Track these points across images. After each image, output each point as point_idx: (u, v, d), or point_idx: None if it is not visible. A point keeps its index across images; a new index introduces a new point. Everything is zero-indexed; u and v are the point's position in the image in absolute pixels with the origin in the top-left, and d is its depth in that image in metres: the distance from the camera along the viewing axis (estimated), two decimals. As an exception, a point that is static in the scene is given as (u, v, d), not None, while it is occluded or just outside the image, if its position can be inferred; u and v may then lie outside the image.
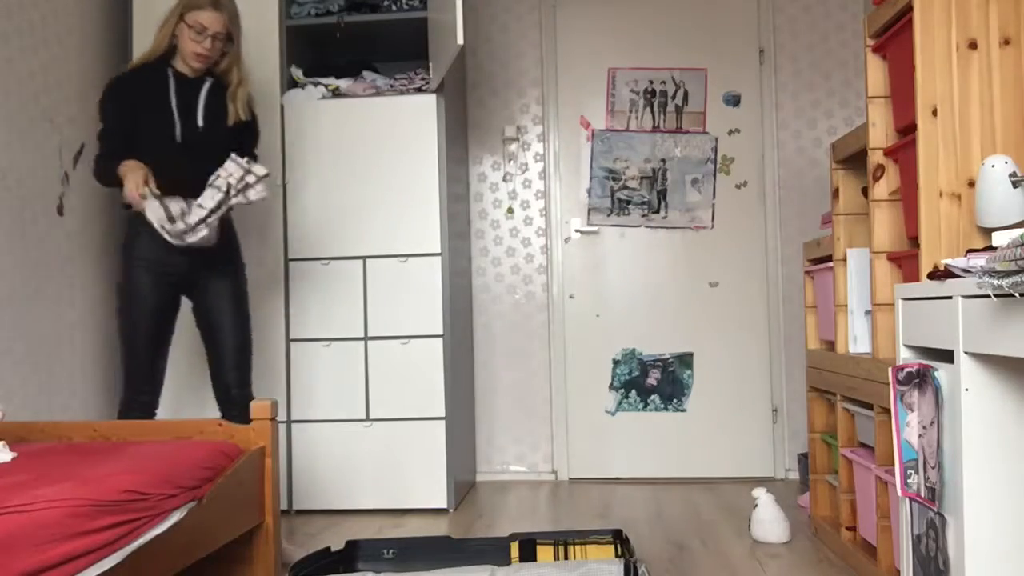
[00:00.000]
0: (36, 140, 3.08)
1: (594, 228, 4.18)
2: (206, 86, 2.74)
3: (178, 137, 2.68)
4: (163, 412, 3.38)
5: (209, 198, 2.56)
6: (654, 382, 4.14)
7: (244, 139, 2.82)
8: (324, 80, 3.62)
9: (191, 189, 2.59)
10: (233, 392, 2.73)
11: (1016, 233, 1.60)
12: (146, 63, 2.73)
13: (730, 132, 4.14)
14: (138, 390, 2.68)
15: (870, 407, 2.46)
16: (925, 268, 2.09)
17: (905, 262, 2.37)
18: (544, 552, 2.60)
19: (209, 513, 1.96)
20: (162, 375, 2.74)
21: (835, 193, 2.89)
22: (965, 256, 1.82)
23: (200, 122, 2.70)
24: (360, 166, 3.54)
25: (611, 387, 4.15)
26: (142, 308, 2.66)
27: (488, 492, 3.91)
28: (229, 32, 2.70)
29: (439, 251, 3.51)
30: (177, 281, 2.70)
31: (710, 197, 4.14)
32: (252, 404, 2.33)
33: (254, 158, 2.82)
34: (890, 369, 1.96)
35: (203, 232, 2.56)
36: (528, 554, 2.59)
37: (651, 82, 4.18)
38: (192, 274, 2.70)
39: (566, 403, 4.16)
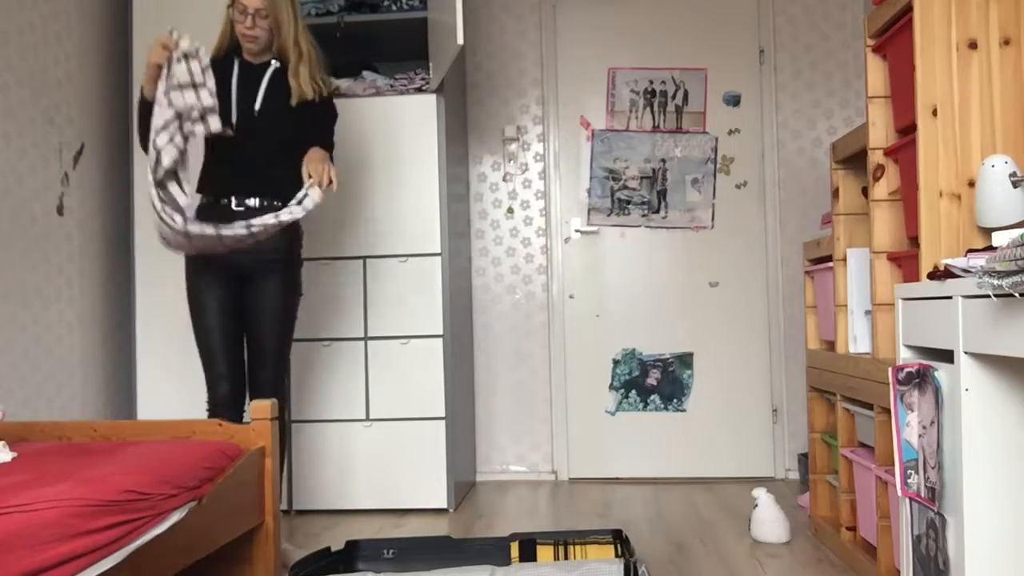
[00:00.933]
0: (36, 140, 3.09)
1: (594, 228, 4.18)
2: (270, 71, 2.72)
3: (234, 123, 2.66)
4: (166, 412, 3.39)
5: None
6: (654, 382, 4.14)
7: (314, 121, 2.73)
8: (324, 80, 3.62)
9: (250, 176, 2.62)
10: (267, 392, 2.72)
11: (1016, 233, 1.60)
12: (215, 57, 2.72)
13: (730, 132, 4.14)
14: (217, 387, 2.70)
15: (870, 407, 2.46)
16: (925, 268, 2.09)
17: (905, 262, 2.37)
18: (544, 552, 2.60)
19: (209, 513, 1.96)
20: (241, 368, 2.74)
21: (835, 193, 2.89)
22: (965, 256, 1.82)
23: (257, 106, 2.68)
24: (360, 166, 3.54)
25: (611, 387, 4.15)
26: (205, 307, 2.67)
27: (488, 492, 3.91)
28: (270, 10, 2.65)
29: (439, 251, 3.51)
30: (232, 271, 2.69)
31: (710, 197, 4.14)
32: (252, 404, 2.33)
33: (327, 145, 2.76)
34: (890, 369, 1.96)
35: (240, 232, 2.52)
36: (528, 554, 2.59)
37: (651, 82, 4.18)
38: (248, 267, 2.69)
39: (566, 403, 4.16)
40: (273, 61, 2.74)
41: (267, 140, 2.66)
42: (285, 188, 2.75)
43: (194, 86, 2.48)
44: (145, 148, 2.59)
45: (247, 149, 2.63)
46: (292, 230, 2.78)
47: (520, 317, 4.20)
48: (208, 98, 2.50)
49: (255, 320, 2.73)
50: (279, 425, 2.69)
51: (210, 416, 2.68)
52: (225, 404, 2.69)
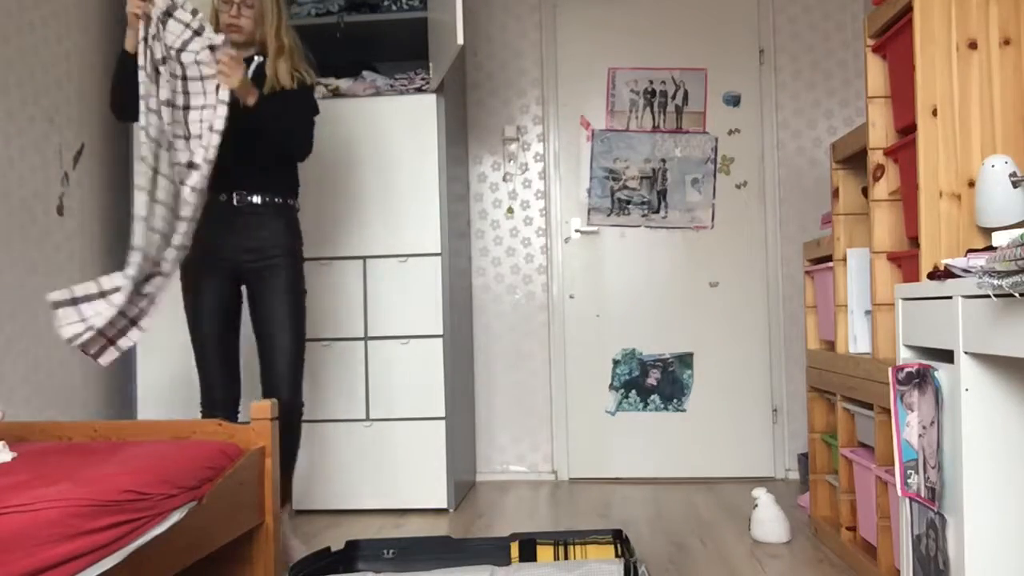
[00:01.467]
0: (36, 140, 3.09)
1: (594, 228, 4.18)
2: (253, 65, 2.69)
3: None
4: (166, 412, 3.39)
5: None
6: (654, 382, 4.14)
7: (287, 107, 2.64)
8: (324, 80, 3.62)
9: (247, 172, 2.59)
10: (283, 396, 2.67)
11: (1016, 233, 1.60)
12: None
13: (730, 132, 4.14)
14: (212, 392, 2.69)
15: (870, 407, 2.46)
16: (925, 268, 2.09)
17: (905, 262, 2.37)
18: (544, 552, 2.60)
19: (209, 513, 1.96)
20: (235, 369, 2.73)
21: (835, 193, 2.89)
22: (965, 256, 1.82)
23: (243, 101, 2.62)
24: (360, 166, 3.54)
25: (611, 387, 4.15)
26: (201, 311, 2.64)
27: (488, 492, 3.91)
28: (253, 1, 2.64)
29: (439, 251, 3.51)
30: (233, 269, 2.67)
31: (710, 197, 4.14)
32: (252, 404, 2.32)
33: (304, 137, 2.70)
34: (890, 369, 1.96)
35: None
36: (528, 554, 2.59)
37: (651, 82, 4.18)
38: (248, 263, 2.67)
39: (566, 403, 4.16)
40: (256, 56, 2.71)
41: (256, 135, 2.61)
42: (283, 184, 2.73)
43: (196, 34, 2.44)
44: (117, 103, 2.56)
45: (240, 145, 2.58)
46: (292, 227, 2.77)
47: (520, 317, 4.20)
48: (214, 36, 2.46)
49: (265, 320, 2.70)
50: (293, 426, 2.69)
51: (203, 417, 2.68)
52: (219, 408, 2.68)
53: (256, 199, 2.68)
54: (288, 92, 2.67)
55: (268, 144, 2.65)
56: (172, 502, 1.80)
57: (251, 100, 2.53)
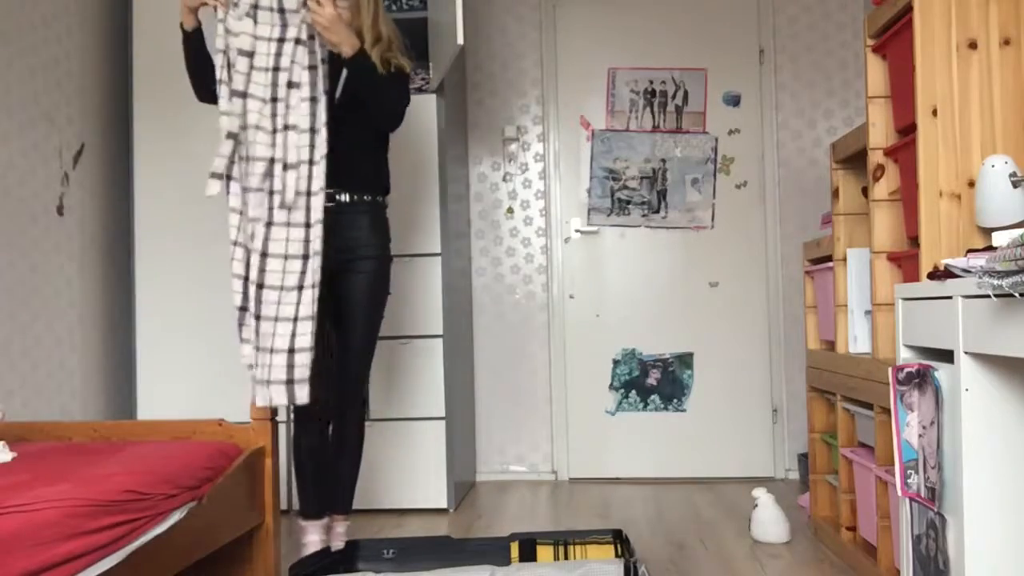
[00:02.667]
0: (36, 140, 3.09)
1: (594, 228, 4.18)
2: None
3: None
4: (166, 412, 3.39)
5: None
6: (654, 382, 4.14)
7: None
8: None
9: (336, 169, 2.48)
10: (348, 387, 2.64)
11: (1016, 233, 1.60)
12: None
13: (730, 132, 4.14)
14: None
15: (870, 407, 2.46)
16: (925, 268, 2.09)
17: (905, 262, 2.37)
18: (544, 552, 2.60)
19: (209, 513, 1.96)
20: (330, 376, 2.61)
21: (835, 193, 2.89)
22: (965, 256, 1.82)
23: (338, 95, 2.56)
24: (360, 166, 3.54)
25: (611, 387, 4.15)
26: None
27: (488, 492, 3.91)
28: None
29: (439, 251, 3.51)
30: (325, 271, 2.55)
31: (710, 197, 4.14)
32: (252, 404, 2.32)
33: (383, 93, 2.58)
34: (890, 369, 1.96)
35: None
36: (528, 554, 2.59)
37: (651, 82, 4.18)
38: (340, 262, 2.58)
39: (566, 403, 4.16)
40: None
41: (351, 131, 2.56)
42: (373, 180, 2.67)
43: (274, 10, 2.37)
44: (194, 85, 2.51)
45: (331, 142, 2.45)
46: (380, 226, 2.68)
47: (520, 317, 4.20)
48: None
49: (344, 314, 2.63)
50: (356, 422, 2.67)
51: (297, 423, 2.61)
52: (312, 417, 2.60)
53: (344, 197, 2.59)
54: (381, 73, 2.59)
55: (366, 97, 2.55)
56: (172, 502, 1.80)
57: (348, 49, 2.45)
